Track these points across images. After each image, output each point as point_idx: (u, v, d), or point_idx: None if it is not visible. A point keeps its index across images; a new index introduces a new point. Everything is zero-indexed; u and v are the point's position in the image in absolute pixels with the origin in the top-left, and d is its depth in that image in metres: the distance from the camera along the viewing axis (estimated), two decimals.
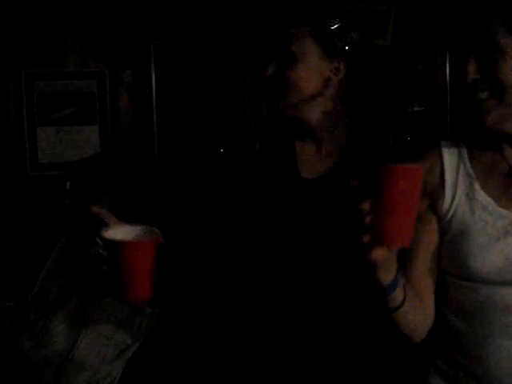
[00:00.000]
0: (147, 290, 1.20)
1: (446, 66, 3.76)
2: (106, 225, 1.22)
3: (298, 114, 1.45)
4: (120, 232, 1.21)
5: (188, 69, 3.53)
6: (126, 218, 1.31)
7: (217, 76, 3.52)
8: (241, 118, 3.40)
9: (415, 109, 3.90)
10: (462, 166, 1.38)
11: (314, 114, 1.45)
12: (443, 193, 1.37)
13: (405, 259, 1.36)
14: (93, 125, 3.54)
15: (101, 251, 1.19)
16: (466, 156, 1.38)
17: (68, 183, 1.83)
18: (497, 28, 1.27)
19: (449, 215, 1.36)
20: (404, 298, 1.27)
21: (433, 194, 1.38)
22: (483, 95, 1.28)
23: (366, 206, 1.10)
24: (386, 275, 1.21)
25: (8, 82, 3.47)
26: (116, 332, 1.53)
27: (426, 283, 1.40)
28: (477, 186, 1.35)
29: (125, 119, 3.55)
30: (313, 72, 1.42)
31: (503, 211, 1.32)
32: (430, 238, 1.39)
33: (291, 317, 1.43)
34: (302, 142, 1.48)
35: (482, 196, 1.33)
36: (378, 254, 1.12)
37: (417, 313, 1.36)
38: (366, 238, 1.11)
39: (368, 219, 1.10)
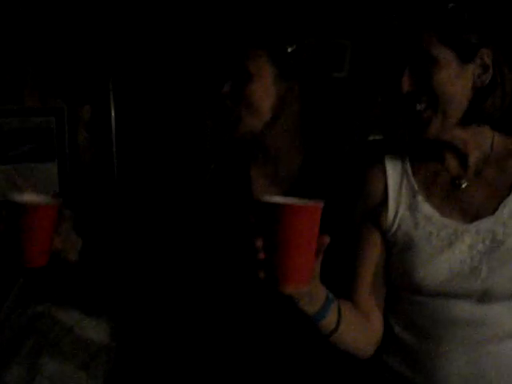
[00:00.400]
0: (45, 255, 1.22)
1: None
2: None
3: (253, 135, 1.45)
4: (25, 196, 1.24)
5: (147, 103, 3.53)
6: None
7: (176, 110, 3.52)
8: (199, 152, 3.39)
9: (376, 137, 3.93)
10: (404, 180, 1.39)
11: (269, 135, 1.45)
12: (386, 207, 1.38)
13: (348, 277, 1.36)
14: (51, 161, 3.49)
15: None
16: (409, 169, 1.41)
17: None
18: (428, 38, 1.29)
19: (393, 229, 1.37)
20: (338, 322, 1.26)
21: (376, 208, 1.39)
22: (420, 106, 1.29)
23: (260, 243, 1.06)
24: (310, 307, 1.18)
25: None
26: (70, 378, 1.50)
27: (372, 300, 1.39)
28: (420, 198, 1.36)
29: (84, 155, 3.51)
30: (268, 91, 1.43)
31: (447, 221, 1.33)
32: (374, 253, 1.40)
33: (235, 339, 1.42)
34: (258, 164, 1.48)
35: (425, 207, 1.35)
36: (290, 290, 1.09)
37: (359, 332, 1.35)
38: (261, 275, 1.07)
39: (261, 256, 1.07)
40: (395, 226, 1.35)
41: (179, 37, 3.44)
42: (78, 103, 3.49)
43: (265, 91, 1.42)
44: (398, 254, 1.35)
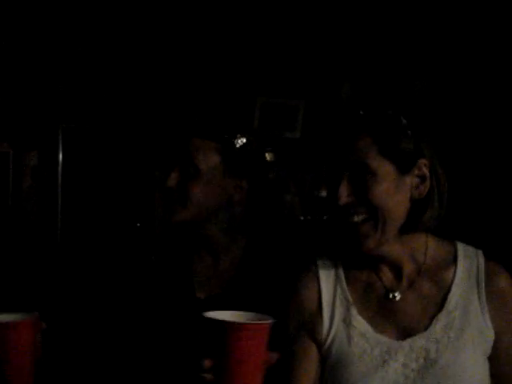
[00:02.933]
0: (28, 378, 1.13)
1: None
2: None
3: (196, 229, 1.40)
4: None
5: (96, 152, 3.48)
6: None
7: (125, 162, 3.48)
8: (149, 203, 3.35)
9: (322, 194, 3.96)
10: (338, 289, 1.32)
11: (213, 229, 1.41)
12: (321, 319, 1.30)
13: None
14: None
15: None
16: (342, 277, 1.33)
17: None
18: (367, 149, 1.22)
19: (327, 342, 1.29)
20: None
21: (310, 319, 1.32)
22: (358, 218, 1.22)
23: (207, 363, 1.02)
24: None
25: None
26: None
27: None
28: (354, 311, 1.29)
29: (27, 202, 3.43)
30: (215, 188, 1.39)
31: (380, 337, 1.26)
32: (310, 365, 1.31)
33: None
34: (199, 257, 1.44)
35: (358, 322, 1.28)
36: None
37: None
38: None
39: (209, 377, 1.02)
40: (329, 340, 1.27)
41: (132, 91, 3.44)
42: (25, 148, 3.42)
43: (212, 188, 1.37)
44: (331, 370, 1.27)
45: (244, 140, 1.41)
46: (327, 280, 1.33)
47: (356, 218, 1.23)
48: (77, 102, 3.43)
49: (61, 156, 3.44)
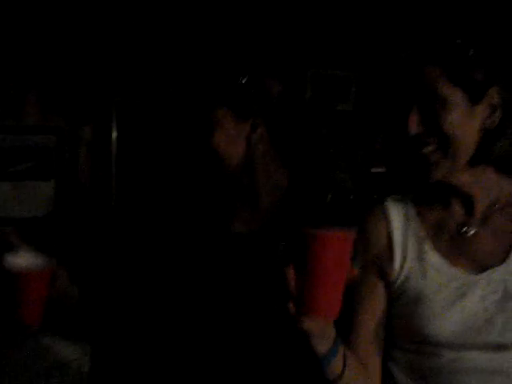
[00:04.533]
0: (39, 317, 1.24)
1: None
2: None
3: (230, 179, 1.42)
4: (19, 259, 1.24)
5: (149, 125, 3.52)
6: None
7: (177, 132, 3.51)
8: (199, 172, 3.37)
9: (378, 170, 3.92)
10: (410, 226, 1.32)
11: (246, 176, 1.43)
12: (392, 256, 1.31)
13: (348, 324, 1.30)
14: (49, 180, 3.47)
15: None
16: (413, 214, 1.33)
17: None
18: (437, 78, 1.22)
19: (400, 279, 1.29)
20: (344, 368, 1.20)
21: (380, 257, 1.32)
22: (428, 149, 1.22)
23: (290, 273, 1.03)
24: (321, 346, 1.13)
25: None
26: None
27: (371, 351, 1.33)
28: (427, 247, 1.29)
29: (83, 175, 3.49)
30: (230, 137, 1.40)
31: (457, 272, 1.26)
32: (376, 304, 1.33)
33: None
34: (239, 201, 1.46)
35: (433, 257, 1.28)
36: (309, 324, 1.06)
37: (361, 382, 1.29)
38: (291, 308, 1.04)
39: (292, 286, 1.03)
40: (402, 277, 1.28)
41: (181, 59, 3.44)
42: (80, 123, 3.47)
43: (227, 138, 1.39)
44: (405, 305, 1.27)
45: (244, 81, 1.42)
46: (397, 218, 1.33)
47: (426, 150, 1.23)
48: (130, 75, 3.46)
49: (114, 129, 3.48)
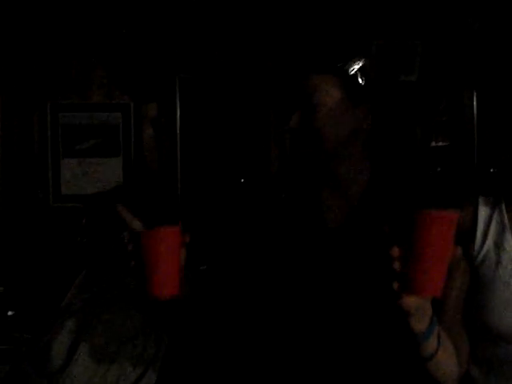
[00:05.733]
0: (174, 284, 1.16)
1: (473, 103, 3.71)
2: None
3: (324, 165, 1.38)
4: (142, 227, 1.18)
5: (213, 101, 3.53)
6: None
7: (241, 109, 3.51)
8: (265, 151, 3.37)
9: (439, 144, 3.85)
10: (495, 215, 1.32)
11: (341, 163, 1.39)
12: (473, 238, 1.31)
13: (438, 305, 1.30)
14: (116, 157, 3.53)
15: (126, 245, 1.17)
16: (502, 206, 1.33)
17: (84, 220, 1.81)
18: None
19: (476, 263, 1.30)
20: (438, 347, 1.21)
21: (462, 236, 1.32)
22: None
23: (396, 252, 1.06)
24: (419, 324, 1.15)
25: (33, 113, 3.49)
26: (116, 353, 1.50)
27: (459, 330, 1.33)
28: (508, 236, 1.29)
29: (148, 152, 3.54)
30: (339, 122, 1.36)
31: None
32: (464, 283, 1.33)
33: (308, 366, 1.38)
34: (327, 190, 1.42)
35: (511, 246, 1.27)
36: (410, 302, 1.09)
37: (451, 361, 1.29)
38: (396, 286, 1.07)
39: (397, 266, 1.06)
40: (478, 260, 1.28)
41: (247, 41, 3.43)
42: (145, 100, 3.51)
43: (335, 124, 1.35)
44: (475, 290, 1.28)
45: (360, 63, 1.36)
46: (485, 207, 1.33)
47: None
48: (193, 52, 3.47)
49: (178, 106, 3.51)
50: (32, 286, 3.30)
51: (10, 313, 3.06)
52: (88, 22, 3.43)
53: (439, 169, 3.78)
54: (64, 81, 3.50)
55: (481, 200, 1.34)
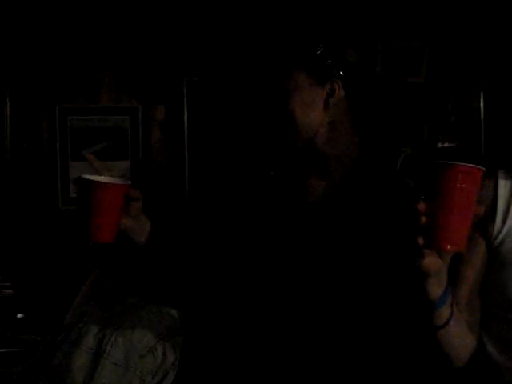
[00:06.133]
0: (112, 232, 1.31)
1: (480, 104, 3.72)
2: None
3: (306, 145, 1.42)
4: (99, 177, 1.33)
5: (220, 104, 3.54)
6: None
7: (249, 111, 3.52)
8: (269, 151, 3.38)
9: (446, 145, 3.86)
10: None
11: (321, 141, 1.42)
12: (494, 218, 1.32)
13: (453, 278, 1.31)
14: (124, 160, 3.55)
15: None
16: None
17: None
18: None
19: (496, 242, 1.30)
20: (450, 316, 1.22)
21: (484, 218, 1.33)
22: None
23: (422, 206, 1.06)
24: (436, 288, 1.15)
25: (42, 117, 3.51)
26: (137, 366, 1.51)
27: (472, 306, 1.34)
28: None
29: (156, 155, 3.55)
30: (307, 101, 1.39)
31: None
32: (479, 260, 1.34)
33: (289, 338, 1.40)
34: (311, 168, 1.45)
35: None
36: (431, 262, 1.09)
37: (464, 335, 1.30)
38: (421, 240, 1.07)
39: (424, 219, 1.07)
40: (499, 240, 1.29)
41: (254, 44, 3.44)
42: (153, 103, 3.53)
43: (305, 104, 1.39)
44: (497, 270, 1.29)
45: (323, 47, 1.40)
46: (505, 186, 1.33)
47: None
48: (201, 54, 3.49)
49: (186, 109, 3.52)
50: (41, 289, 3.31)
51: (19, 315, 3.07)
52: (95, 27, 3.45)
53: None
54: (72, 85, 3.52)
55: (500, 181, 1.34)
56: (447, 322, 1.21)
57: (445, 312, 1.20)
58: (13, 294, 3.20)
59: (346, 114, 1.42)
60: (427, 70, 3.63)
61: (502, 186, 1.34)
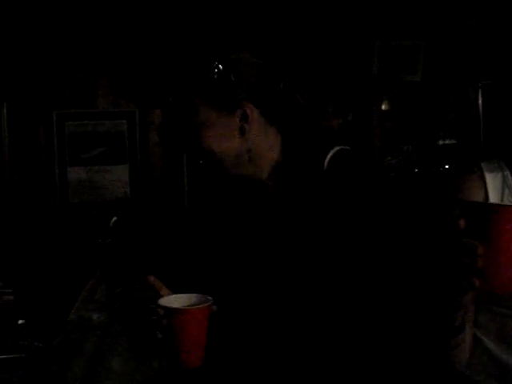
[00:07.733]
0: (200, 357, 1.25)
1: (478, 101, 3.71)
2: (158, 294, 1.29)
3: (234, 172, 1.38)
4: (175, 301, 1.26)
5: None
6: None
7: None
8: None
9: (446, 142, 3.86)
10: (506, 190, 1.32)
11: (247, 164, 1.37)
12: None
13: None
14: (122, 164, 3.55)
15: (156, 318, 1.24)
16: (510, 178, 1.33)
17: (113, 220, 1.82)
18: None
19: None
20: (464, 338, 1.23)
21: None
22: None
23: (481, 250, 1.04)
24: (460, 317, 1.17)
25: (39, 123, 3.52)
26: (134, 372, 1.51)
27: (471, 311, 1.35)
28: None
29: (154, 158, 3.55)
30: (222, 134, 1.32)
31: None
32: None
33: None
34: (249, 189, 1.42)
35: None
36: (470, 297, 1.11)
37: (469, 346, 1.30)
38: (477, 283, 1.05)
39: (480, 263, 1.04)
40: None
41: (251, 48, 3.44)
42: (150, 107, 3.53)
43: (219, 137, 1.30)
44: None
45: (220, 67, 1.33)
46: (494, 181, 1.33)
47: None
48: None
49: None
50: (42, 295, 3.31)
51: (20, 321, 3.07)
52: (92, 32, 3.45)
53: (447, 166, 3.78)
54: (70, 90, 3.52)
55: (488, 176, 1.33)
56: (461, 342, 1.22)
57: (462, 336, 1.22)
58: (13, 300, 3.20)
59: (266, 129, 1.35)
60: (424, 67, 3.63)
61: (491, 182, 1.33)
